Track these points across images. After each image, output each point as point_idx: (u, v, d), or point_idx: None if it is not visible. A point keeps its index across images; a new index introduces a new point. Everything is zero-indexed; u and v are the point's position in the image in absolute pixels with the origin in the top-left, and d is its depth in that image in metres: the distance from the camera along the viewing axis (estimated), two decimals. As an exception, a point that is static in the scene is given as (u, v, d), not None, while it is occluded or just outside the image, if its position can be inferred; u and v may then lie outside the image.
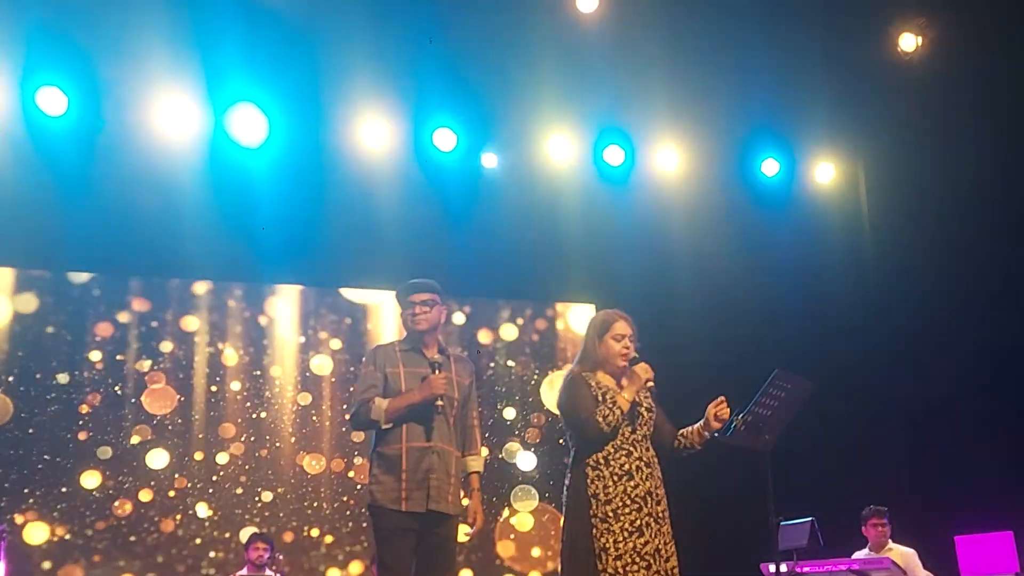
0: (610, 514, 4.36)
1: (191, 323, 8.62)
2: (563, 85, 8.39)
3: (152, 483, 8.33)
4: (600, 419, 4.42)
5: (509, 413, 9.26)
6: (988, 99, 8.22)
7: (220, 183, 7.95)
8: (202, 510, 8.38)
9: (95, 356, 8.34)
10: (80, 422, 8.19)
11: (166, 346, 8.55)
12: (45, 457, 8.08)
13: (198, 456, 8.47)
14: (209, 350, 8.64)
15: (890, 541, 7.57)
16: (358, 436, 8.61)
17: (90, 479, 8.15)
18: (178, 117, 7.81)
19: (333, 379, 8.92)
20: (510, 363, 9.41)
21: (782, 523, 5.62)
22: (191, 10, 7.31)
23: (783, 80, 8.44)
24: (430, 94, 8.25)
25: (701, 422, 4.60)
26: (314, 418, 8.83)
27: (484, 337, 9.36)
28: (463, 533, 4.80)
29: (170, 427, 8.45)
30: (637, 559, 4.32)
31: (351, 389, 8.52)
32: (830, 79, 8.44)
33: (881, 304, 9.22)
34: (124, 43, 7.39)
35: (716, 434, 4.64)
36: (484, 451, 6.98)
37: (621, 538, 4.34)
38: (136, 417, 8.38)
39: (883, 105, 8.73)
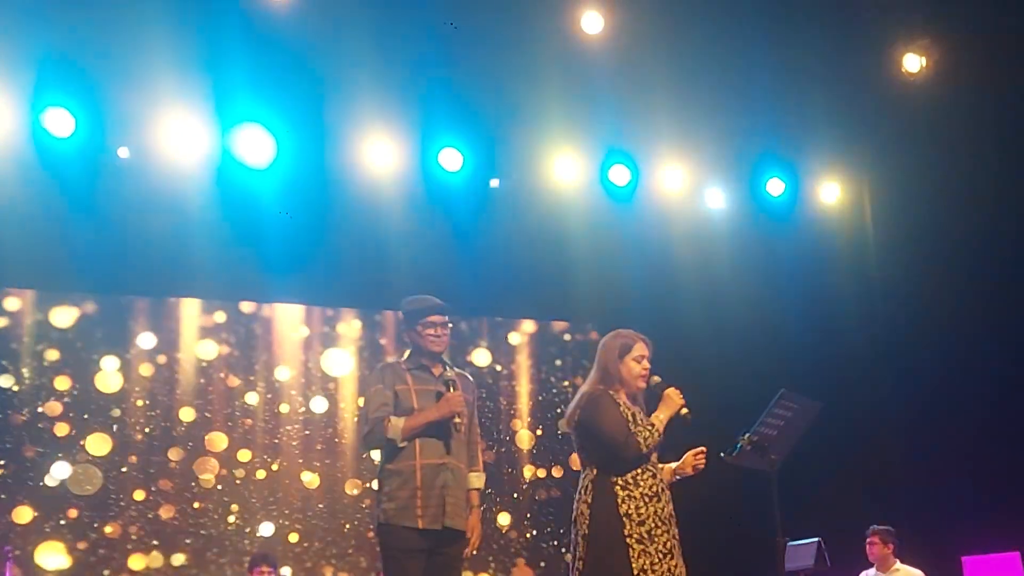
0: (645, 535, 4.29)
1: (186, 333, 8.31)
2: (568, 105, 8.40)
3: (117, 511, 7.51)
4: (641, 440, 4.33)
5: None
6: (992, 119, 8.24)
7: (226, 203, 7.96)
8: (178, 557, 7.61)
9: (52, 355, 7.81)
10: (28, 434, 7.51)
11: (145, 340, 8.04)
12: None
13: (167, 485, 7.75)
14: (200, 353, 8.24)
15: (897, 561, 7.54)
16: (376, 454, 8.46)
17: (23, 513, 7.34)
18: (184, 138, 7.76)
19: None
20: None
21: (789, 543, 5.62)
22: (198, 32, 7.32)
23: (788, 100, 8.46)
24: (436, 114, 8.27)
25: (677, 464, 4.56)
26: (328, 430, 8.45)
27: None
28: (465, 550, 4.79)
29: (139, 437, 7.77)
30: None
31: (359, 402, 8.37)
32: (835, 100, 8.45)
33: (887, 323, 9.22)
34: (131, 64, 7.40)
35: (722, 454, 4.64)
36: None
37: (657, 559, 4.28)
38: (97, 421, 7.62)
39: (888, 125, 8.75)
